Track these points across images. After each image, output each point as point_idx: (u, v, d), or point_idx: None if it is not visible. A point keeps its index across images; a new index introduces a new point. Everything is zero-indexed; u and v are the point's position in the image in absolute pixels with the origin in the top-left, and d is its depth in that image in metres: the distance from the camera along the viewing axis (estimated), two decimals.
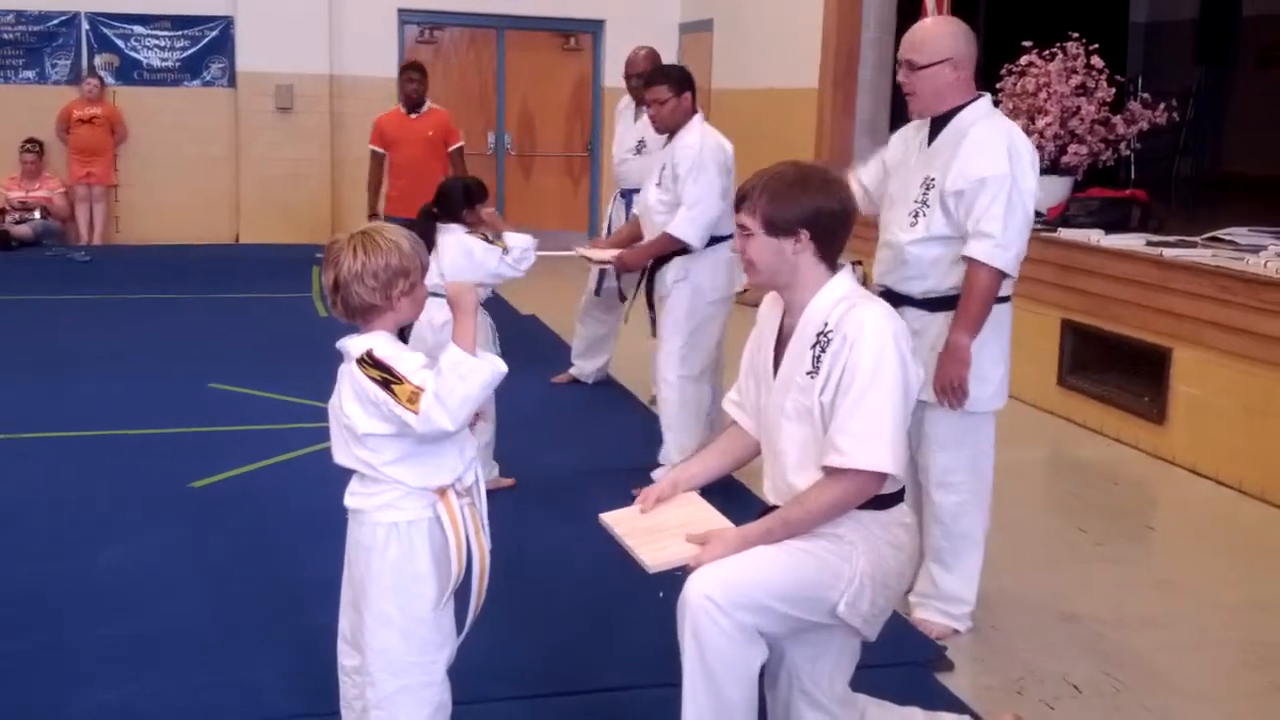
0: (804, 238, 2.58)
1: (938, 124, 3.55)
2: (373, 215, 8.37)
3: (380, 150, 8.39)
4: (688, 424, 4.93)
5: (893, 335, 2.54)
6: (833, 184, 2.66)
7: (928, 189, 3.49)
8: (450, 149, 8.41)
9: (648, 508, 2.70)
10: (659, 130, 5.04)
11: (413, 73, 8.32)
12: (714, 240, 4.83)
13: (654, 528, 2.63)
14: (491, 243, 4.50)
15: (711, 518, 2.65)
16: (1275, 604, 4.06)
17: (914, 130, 3.72)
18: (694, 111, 4.90)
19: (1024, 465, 5.67)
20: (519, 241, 4.55)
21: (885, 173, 3.80)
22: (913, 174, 3.58)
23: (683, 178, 4.78)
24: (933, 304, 3.53)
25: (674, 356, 4.91)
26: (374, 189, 8.48)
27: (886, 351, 2.52)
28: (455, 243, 4.45)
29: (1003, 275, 3.42)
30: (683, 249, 4.85)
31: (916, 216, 3.50)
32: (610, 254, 5.11)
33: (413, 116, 8.32)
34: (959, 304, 3.44)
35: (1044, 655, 3.59)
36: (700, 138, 4.81)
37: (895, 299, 3.40)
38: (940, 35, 3.52)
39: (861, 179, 3.87)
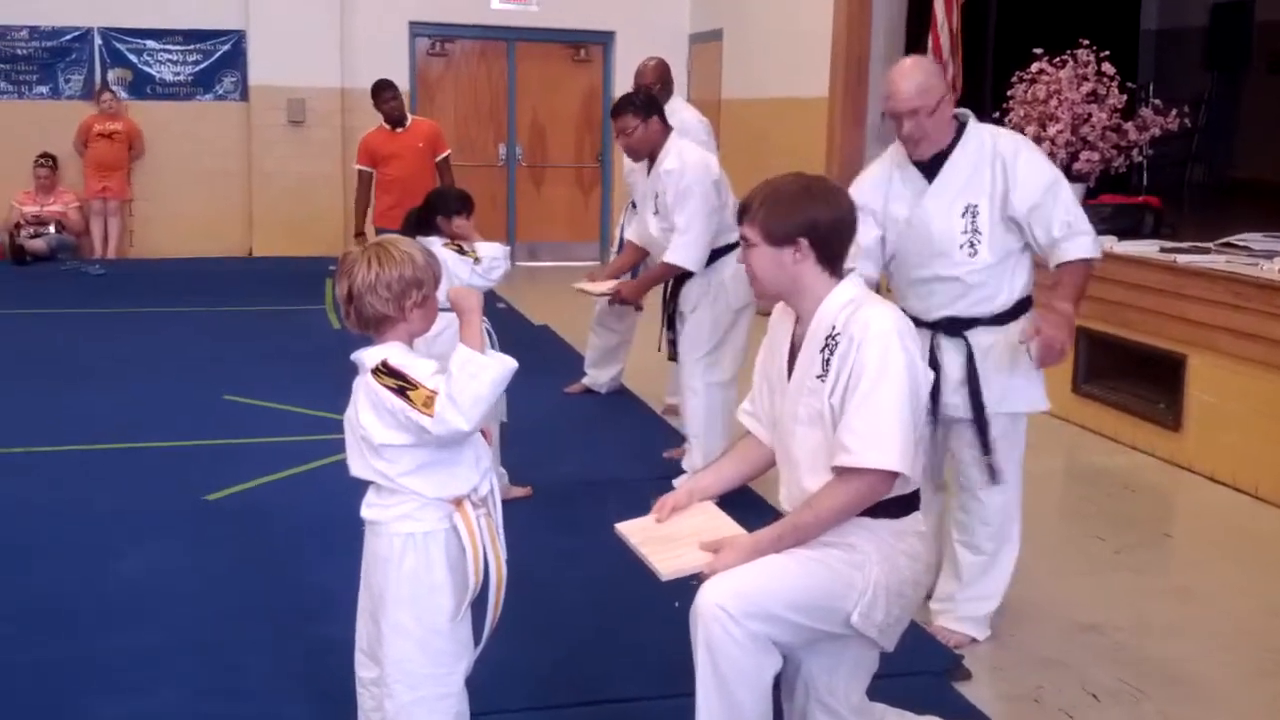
0: (803, 246, 2.59)
1: (932, 160, 3.53)
2: (358, 235, 8.36)
3: (369, 170, 8.36)
4: (715, 431, 4.92)
5: (899, 334, 2.54)
6: (832, 193, 2.65)
7: (974, 216, 3.48)
8: (438, 159, 8.43)
9: (663, 517, 2.70)
10: (632, 158, 5.08)
11: (385, 92, 8.29)
12: (728, 249, 4.84)
13: (668, 536, 2.63)
14: (464, 253, 4.54)
15: (726, 526, 2.64)
16: None
17: (886, 181, 3.63)
18: (666, 132, 4.90)
19: (1040, 473, 5.63)
20: (489, 251, 4.60)
21: (881, 228, 3.67)
22: (939, 211, 3.52)
23: (671, 205, 4.80)
24: (1001, 318, 3.56)
25: (700, 365, 4.92)
26: (362, 209, 8.43)
27: (892, 350, 2.51)
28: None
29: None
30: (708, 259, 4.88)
31: (974, 246, 3.50)
32: (609, 285, 5.09)
33: (399, 131, 8.33)
34: (1064, 285, 3.48)
35: (1062, 664, 3.57)
36: (680, 161, 4.80)
37: (961, 325, 3.50)
38: (932, 74, 3.54)
39: (870, 266, 3.70)
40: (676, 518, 2.69)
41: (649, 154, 4.93)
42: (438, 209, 4.67)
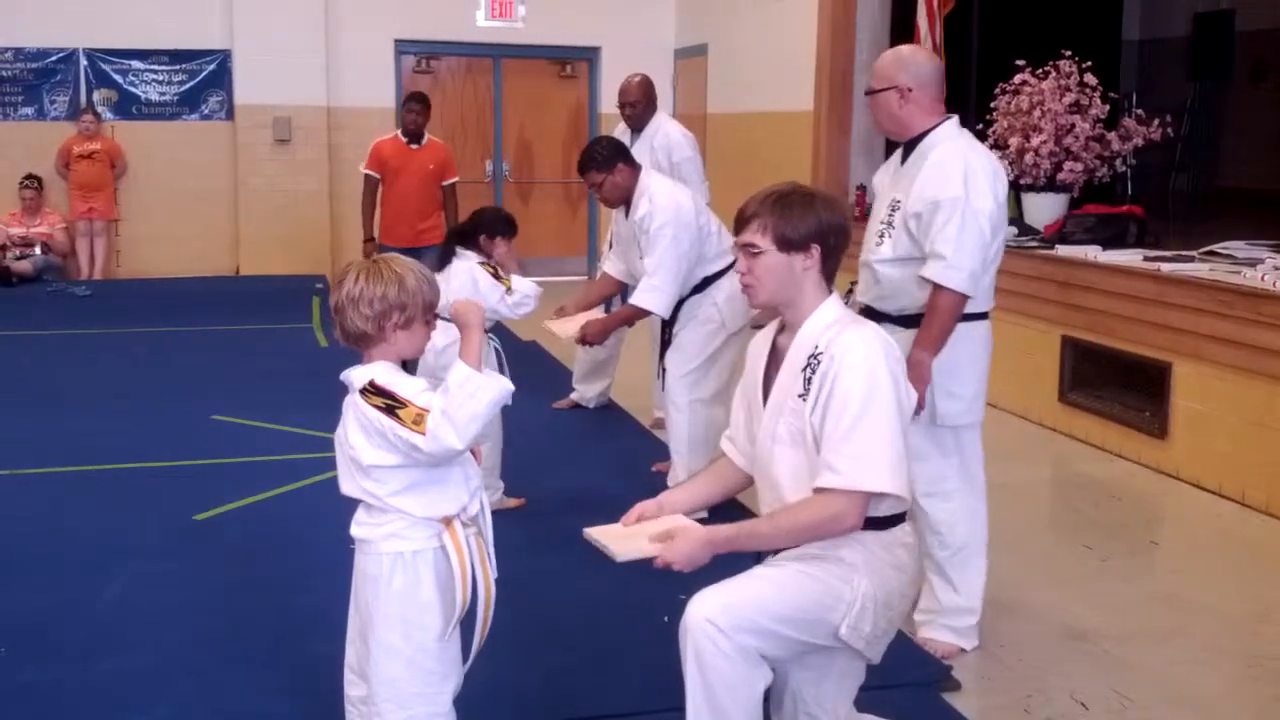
0: (815, 253, 2.61)
1: (908, 147, 3.64)
2: (369, 240, 8.38)
3: (375, 175, 8.36)
4: (698, 447, 4.94)
5: (884, 357, 2.54)
6: (837, 202, 2.72)
7: (893, 211, 3.58)
8: (445, 184, 8.43)
9: (630, 523, 2.72)
10: (610, 206, 5.15)
11: (414, 104, 8.33)
12: (719, 274, 4.88)
13: (632, 534, 2.65)
14: (499, 279, 4.56)
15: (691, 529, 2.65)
16: None
17: (890, 163, 3.83)
18: (635, 174, 4.92)
19: (1027, 482, 5.68)
20: (523, 287, 4.61)
21: None
22: (884, 197, 3.69)
23: (644, 249, 4.86)
24: (907, 321, 3.60)
25: (685, 382, 4.95)
26: (369, 213, 8.41)
27: (879, 374, 2.52)
28: (465, 270, 4.55)
29: (961, 295, 3.47)
30: (699, 285, 4.91)
31: (882, 237, 3.60)
32: (575, 326, 5.06)
33: (413, 147, 8.34)
34: (922, 327, 3.52)
35: (1051, 673, 3.58)
36: (650, 205, 4.82)
37: (875, 316, 3.47)
38: (890, 63, 3.64)
39: None
40: (645, 525, 2.71)
41: (623, 200, 4.96)
42: (482, 227, 4.73)
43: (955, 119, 3.64)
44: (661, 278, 4.80)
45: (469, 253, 4.65)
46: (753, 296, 2.70)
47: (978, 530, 3.72)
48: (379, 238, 8.28)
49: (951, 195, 3.43)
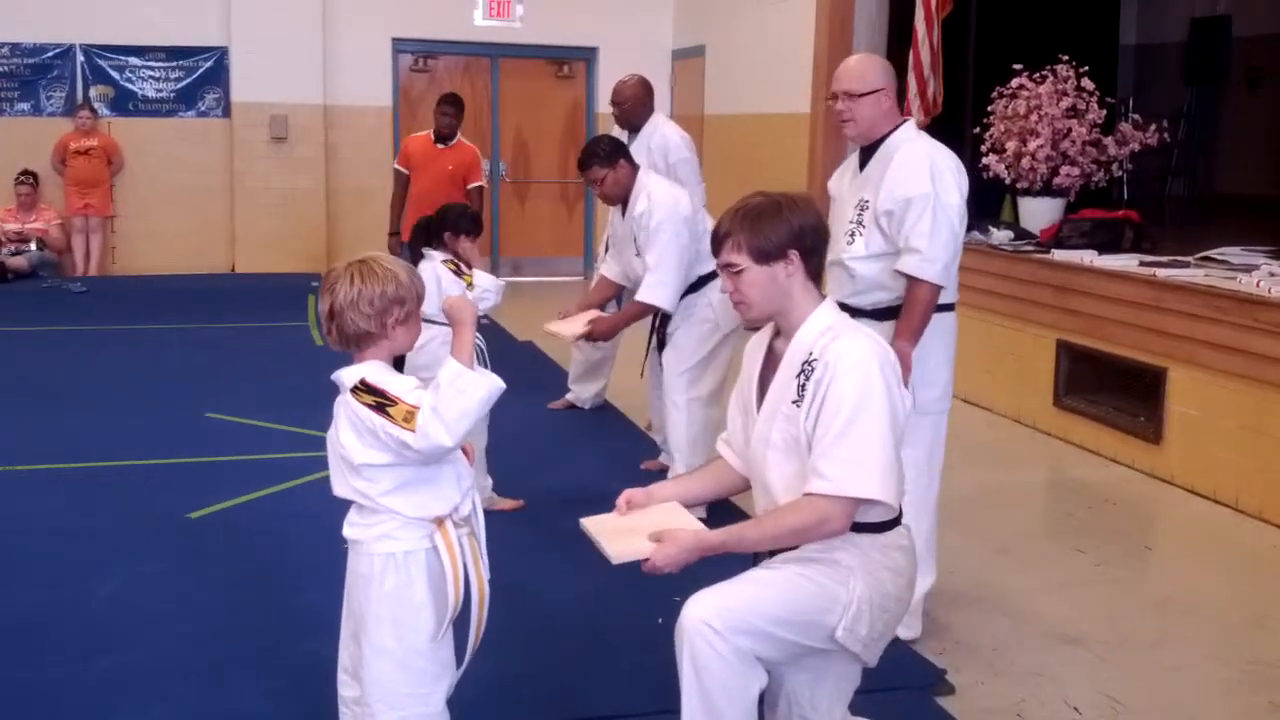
0: (794, 258, 2.61)
1: (867, 151, 3.76)
2: (393, 234, 8.41)
3: (404, 171, 8.45)
4: (697, 445, 4.95)
5: (878, 364, 2.54)
6: (805, 202, 2.70)
7: (862, 210, 3.71)
8: (469, 187, 8.42)
9: (623, 512, 2.72)
10: (609, 204, 5.18)
11: (445, 106, 8.35)
12: (713, 275, 4.88)
13: (628, 528, 2.65)
14: (460, 275, 4.61)
15: (685, 522, 2.65)
16: (1274, 622, 4.06)
17: (845, 168, 3.95)
18: (634, 172, 4.96)
19: (1022, 486, 5.68)
20: (484, 282, 4.70)
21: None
22: (849, 198, 3.79)
23: (643, 246, 4.88)
24: (882, 314, 3.70)
25: (683, 380, 4.96)
26: (396, 207, 8.49)
27: (872, 380, 2.51)
28: (429, 269, 4.57)
29: (937, 286, 3.60)
30: (694, 285, 4.92)
31: (853, 236, 3.71)
32: (581, 324, 5.04)
33: (439, 147, 8.36)
34: (901, 314, 3.64)
35: (1044, 677, 3.58)
36: (649, 202, 4.86)
37: (851, 312, 3.49)
38: (876, 66, 3.78)
39: None
40: (639, 513, 2.71)
41: (622, 197, 4.99)
42: (445, 225, 4.77)
43: (911, 121, 3.81)
44: (664, 272, 4.82)
45: (435, 252, 4.71)
46: (745, 314, 2.71)
47: (929, 523, 3.78)
48: (401, 234, 8.30)
49: (922, 192, 3.57)
